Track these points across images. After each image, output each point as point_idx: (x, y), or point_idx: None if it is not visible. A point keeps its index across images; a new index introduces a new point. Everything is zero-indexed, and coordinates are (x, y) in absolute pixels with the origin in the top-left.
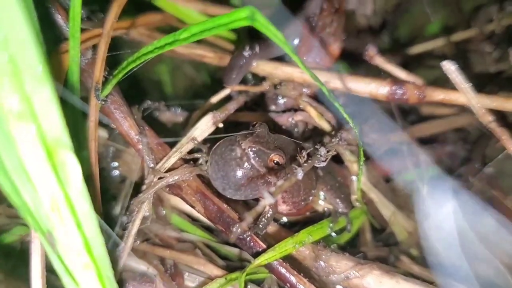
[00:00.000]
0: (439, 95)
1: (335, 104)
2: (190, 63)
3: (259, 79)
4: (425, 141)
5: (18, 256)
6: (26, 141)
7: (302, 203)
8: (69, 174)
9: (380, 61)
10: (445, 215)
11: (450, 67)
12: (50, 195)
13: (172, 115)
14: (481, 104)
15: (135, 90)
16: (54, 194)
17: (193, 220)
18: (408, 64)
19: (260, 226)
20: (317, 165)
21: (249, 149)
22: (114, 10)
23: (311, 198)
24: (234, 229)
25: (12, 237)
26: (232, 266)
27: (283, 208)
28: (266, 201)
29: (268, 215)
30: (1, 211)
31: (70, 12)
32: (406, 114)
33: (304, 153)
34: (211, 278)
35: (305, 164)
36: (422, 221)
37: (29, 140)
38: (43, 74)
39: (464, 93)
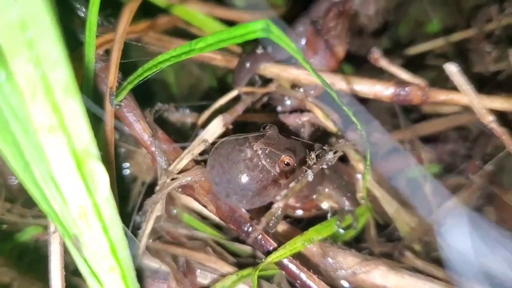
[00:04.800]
0: (441, 96)
1: (343, 107)
2: (194, 63)
3: (266, 81)
4: (426, 140)
5: (32, 255)
6: (56, 152)
7: (306, 198)
8: (97, 183)
9: (385, 64)
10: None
11: (452, 69)
12: (78, 202)
13: (180, 116)
14: (482, 105)
15: (139, 89)
16: (83, 201)
17: (203, 218)
18: (409, 64)
19: (271, 224)
20: (325, 166)
21: (261, 151)
22: (126, 16)
23: (314, 195)
24: (250, 231)
25: (25, 236)
26: (242, 262)
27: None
28: (280, 203)
29: (278, 214)
30: (14, 211)
31: (87, 21)
32: (408, 113)
33: (313, 155)
34: (222, 275)
35: (315, 166)
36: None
37: (59, 151)
38: (72, 88)
39: (465, 94)
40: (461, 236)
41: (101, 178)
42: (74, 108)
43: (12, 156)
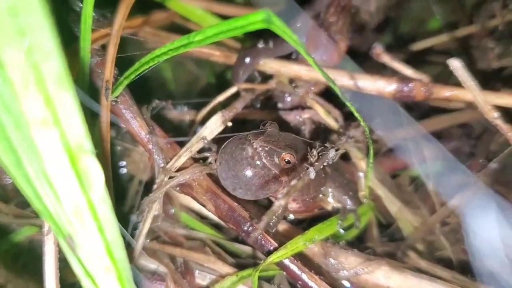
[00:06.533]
0: (445, 92)
1: (346, 103)
2: (192, 59)
3: (265, 77)
4: (429, 137)
5: (27, 256)
6: (49, 147)
7: (311, 200)
8: (91, 180)
9: (387, 59)
10: (489, 224)
11: (456, 65)
12: (73, 200)
13: (178, 114)
14: (486, 101)
15: (136, 86)
16: (77, 199)
17: (202, 218)
18: (411, 60)
19: (271, 224)
20: (326, 164)
21: (261, 148)
22: (122, 11)
23: (320, 195)
24: (250, 230)
25: (20, 236)
26: (241, 263)
27: (293, 206)
28: (281, 201)
29: (279, 213)
30: (8, 211)
31: (82, 14)
32: (410, 110)
33: (315, 152)
34: (221, 276)
35: (317, 163)
36: (467, 231)
37: (52, 146)
38: (65, 80)
39: (470, 90)
40: (487, 222)
41: (96, 174)
42: (68, 101)
43: (3, 151)
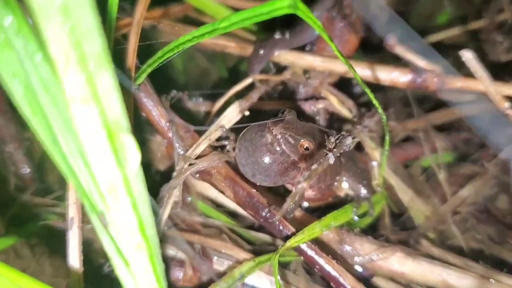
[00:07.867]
0: (457, 83)
1: (367, 92)
2: (203, 53)
3: (280, 68)
4: (440, 128)
5: (46, 243)
6: (88, 124)
7: (327, 188)
8: (127, 156)
9: (401, 50)
10: None
11: (468, 56)
12: (108, 177)
13: (194, 105)
14: (498, 91)
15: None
16: (113, 176)
17: (218, 206)
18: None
19: (288, 210)
20: (343, 150)
21: (280, 135)
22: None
23: (335, 183)
24: (268, 216)
25: (38, 224)
26: (257, 250)
27: (309, 193)
28: (303, 184)
29: (297, 199)
30: (26, 200)
31: (108, 2)
32: (420, 102)
33: (332, 139)
34: (238, 262)
35: (335, 150)
36: None
37: (91, 123)
38: (106, 59)
39: (481, 81)
40: None
41: (132, 151)
42: (107, 79)
43: (41, 128)
